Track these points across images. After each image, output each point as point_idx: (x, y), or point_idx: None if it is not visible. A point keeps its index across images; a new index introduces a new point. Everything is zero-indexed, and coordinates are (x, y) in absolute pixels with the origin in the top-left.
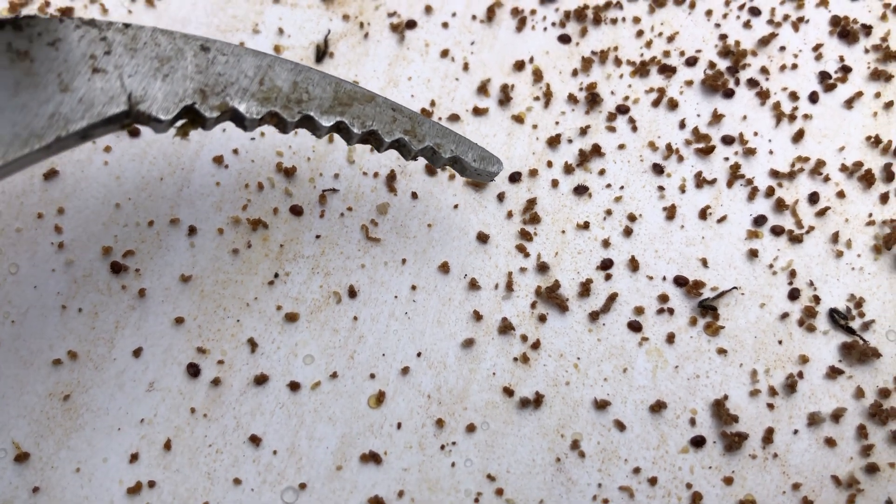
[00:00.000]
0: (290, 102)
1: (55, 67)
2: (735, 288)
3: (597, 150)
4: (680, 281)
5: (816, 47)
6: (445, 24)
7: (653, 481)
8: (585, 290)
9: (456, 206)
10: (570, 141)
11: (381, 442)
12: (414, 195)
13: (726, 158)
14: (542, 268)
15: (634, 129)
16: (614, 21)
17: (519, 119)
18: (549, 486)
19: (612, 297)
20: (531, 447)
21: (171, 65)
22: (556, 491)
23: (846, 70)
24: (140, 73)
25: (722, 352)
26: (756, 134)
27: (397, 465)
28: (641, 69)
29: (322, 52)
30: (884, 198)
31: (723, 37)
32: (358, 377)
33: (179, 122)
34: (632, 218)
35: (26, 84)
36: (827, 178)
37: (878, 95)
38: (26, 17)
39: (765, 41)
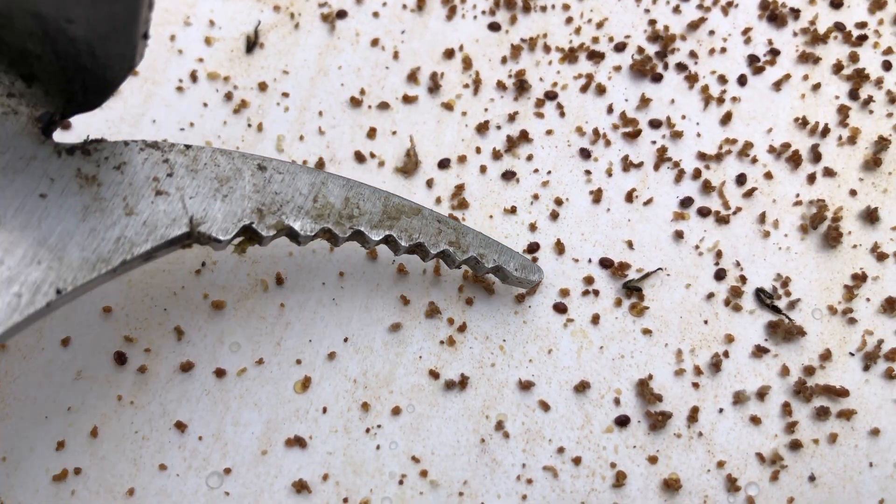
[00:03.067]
0: (342, 218)
1: (121, 191)
2: (660, 269)
3: (525, 136)
4: (605, 263)
5: (745, 31)
6: (376, 14)
7: (577, 461)
8: None
9: None
10: (498, 127)
11: (307, 426)
12: None
13: (653, 142)
14: None
15: (562, 114)
16: (543, 9)
17: (448, 106)
18: (473, 467)
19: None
20: (456, 429)
21: (230, 185)
22: (481, 471)
23: (775, 53)
24: (200, 194)
25: (647, 332)
26: (684, 117)
27: (322, 448)
28: (570, 56)
29: (252, 43)
30: (811, 178)
31: (652, 22)
32: (284, 363)
33: (237, 240)
34: (558, 202)
35: (94, 208)
36: (755, 160)
37: (805, 78)
38: (94, 141)
39: (694, 25)
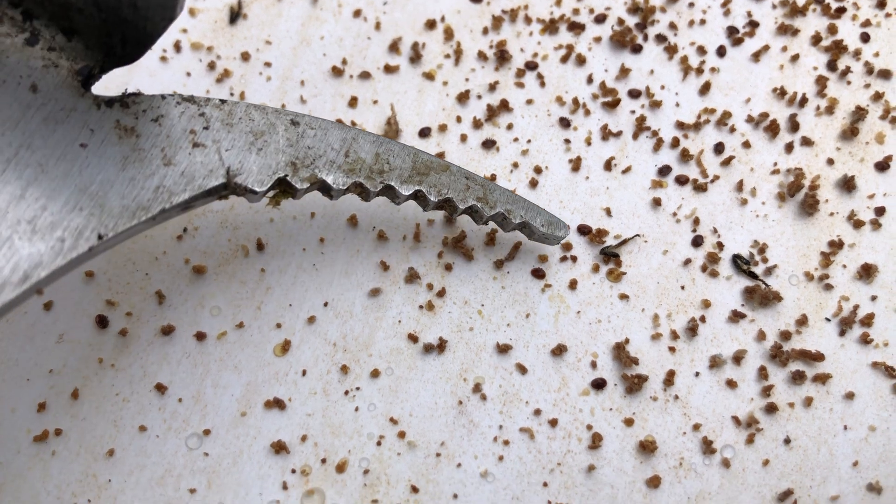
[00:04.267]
0: (373, 173)
1: (159, 143)
2: (637, 235)
3: (505, 106)
4: (583, 229)
5: (725, 3)
6: None
7: (553, 423)
8: (491, 239)
9: None
10: (479, 97)
11: (286, 389)
12: None
13: (632, 111)
14: (449, 219)
15: (542, 84)
16: None
17: (429, 76)
18: (450, 428)
19: (517, 246)
20: (434, 391)
21: (264, 139)
22: (458, 433)
23: (754, 25)
24: (236, 147)
25: (624, 297)
26: (663, 87)
27: (301, 410)
28: (551, 27)
29: (236, 14)
30: (789, 147)
31: None
32: (264, 327)
33: (272, 193)
34: (538, 170)
35: (133, 159)
36: (733, 129)
37: (784, 49)
38: (132, 94)
39: None
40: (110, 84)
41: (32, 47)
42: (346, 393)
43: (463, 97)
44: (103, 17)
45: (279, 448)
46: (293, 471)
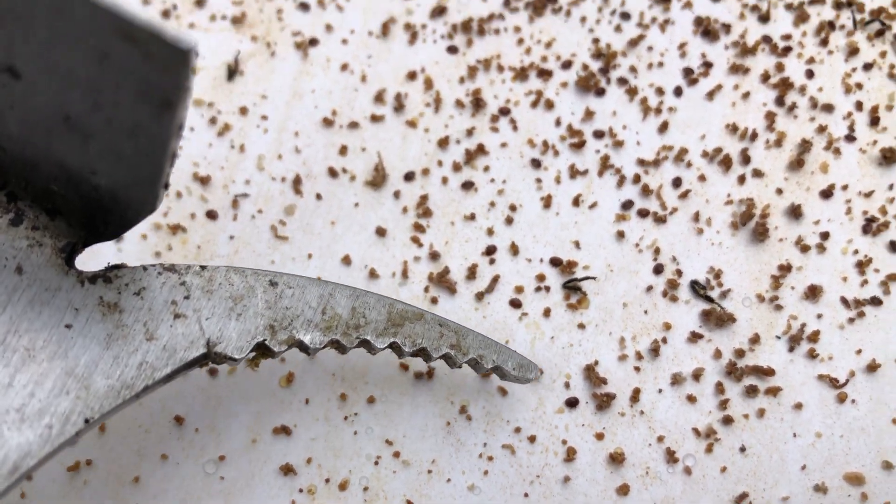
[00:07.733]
0: (349, 328)
1: (141, 317)
2: (593, 277)
3: (481, 149)
4: (555, 261)
5: (681, 46)
6: (345, 41)
7: (532, 439)
8: (472, 273)
9: (356, 205)
10: (458, 142)
11: (291, 416)
12: (318, 196)
13: (597, 151)
14: (434, 256)
15: (515, 128)
16: (497, 31)
17: (412, 124)
18: (440, 447)
19: (496, 279)
20: (424, 414)
21: (243, 303)
22: (447, 451)
23: (708, 65)
24: (216, 314)
25: (593, 322)
26: (625, 127)
27: (306, 435)
28: (521, 74)
29: (233, 71)
30: (741, 179)
31: (595, 41)
32: (270, 362)
33: (250, 356)
34: (512, 208)
35: (117, 336)
36: (689, 164)
37: (736, 87)
38: (114, 266)
39: (634, 42)
40: None
41: (17, 227)
42: (346, 418)
43: (443, 142)
44: (84, 203)
45: (287, 470)
46: (300, 490)
